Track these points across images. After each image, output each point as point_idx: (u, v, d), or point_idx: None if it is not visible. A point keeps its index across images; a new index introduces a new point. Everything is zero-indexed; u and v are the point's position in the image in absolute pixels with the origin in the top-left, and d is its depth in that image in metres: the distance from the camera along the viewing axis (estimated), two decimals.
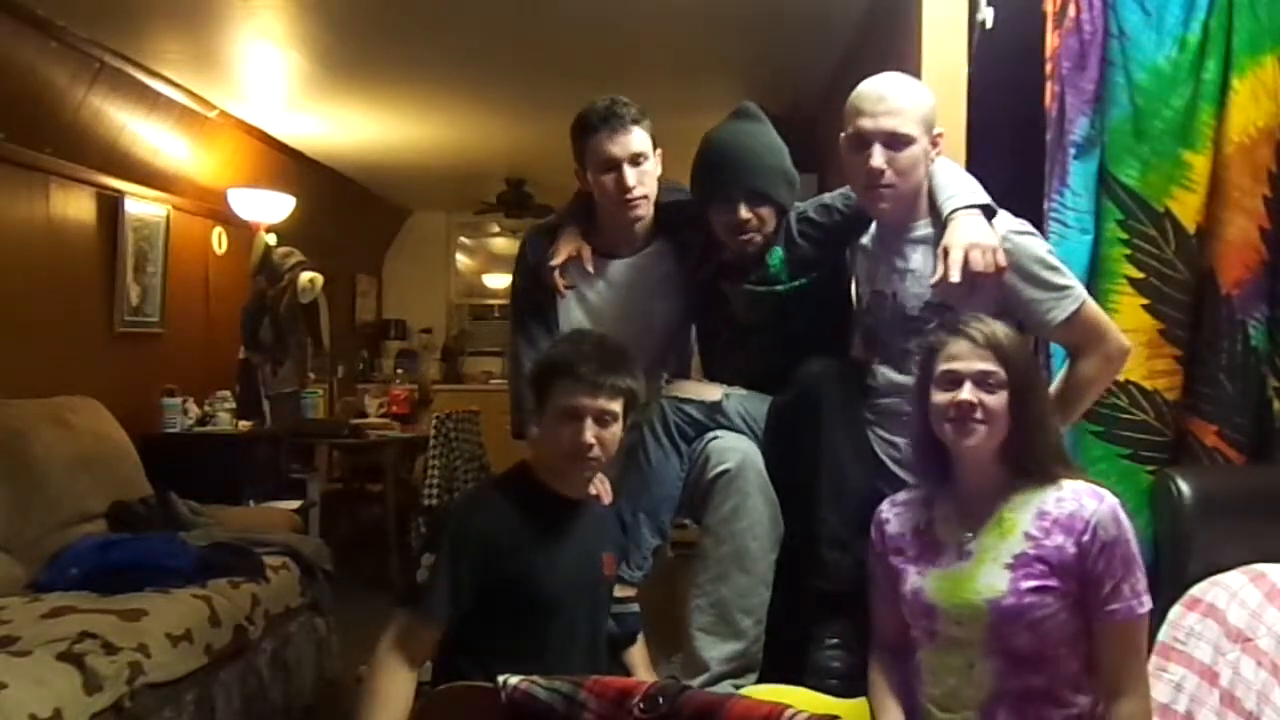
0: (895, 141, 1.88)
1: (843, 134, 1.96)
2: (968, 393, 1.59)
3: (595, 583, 1.89)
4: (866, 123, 1.90)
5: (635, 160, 2.12)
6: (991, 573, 1.59)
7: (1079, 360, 1.89)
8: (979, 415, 1.59)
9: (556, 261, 2.19)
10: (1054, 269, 1.86)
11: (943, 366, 1.63)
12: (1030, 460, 1.63)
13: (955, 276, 1.78)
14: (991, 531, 1.62)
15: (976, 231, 1.83)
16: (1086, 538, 1.56)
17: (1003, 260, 1.80)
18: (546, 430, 1.83)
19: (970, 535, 1.64)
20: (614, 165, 2.11)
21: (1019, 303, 1.84)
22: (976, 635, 1.58)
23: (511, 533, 1.79)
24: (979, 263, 1.78)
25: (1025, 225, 1.91)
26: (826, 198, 2.16)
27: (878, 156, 1.88)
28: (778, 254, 2.12)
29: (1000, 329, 1.64)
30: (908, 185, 1.91)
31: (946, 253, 1.81)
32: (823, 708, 1.65)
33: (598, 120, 2.12)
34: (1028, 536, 1.59)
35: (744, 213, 2.04)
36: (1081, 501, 1.59)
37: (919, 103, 1.93)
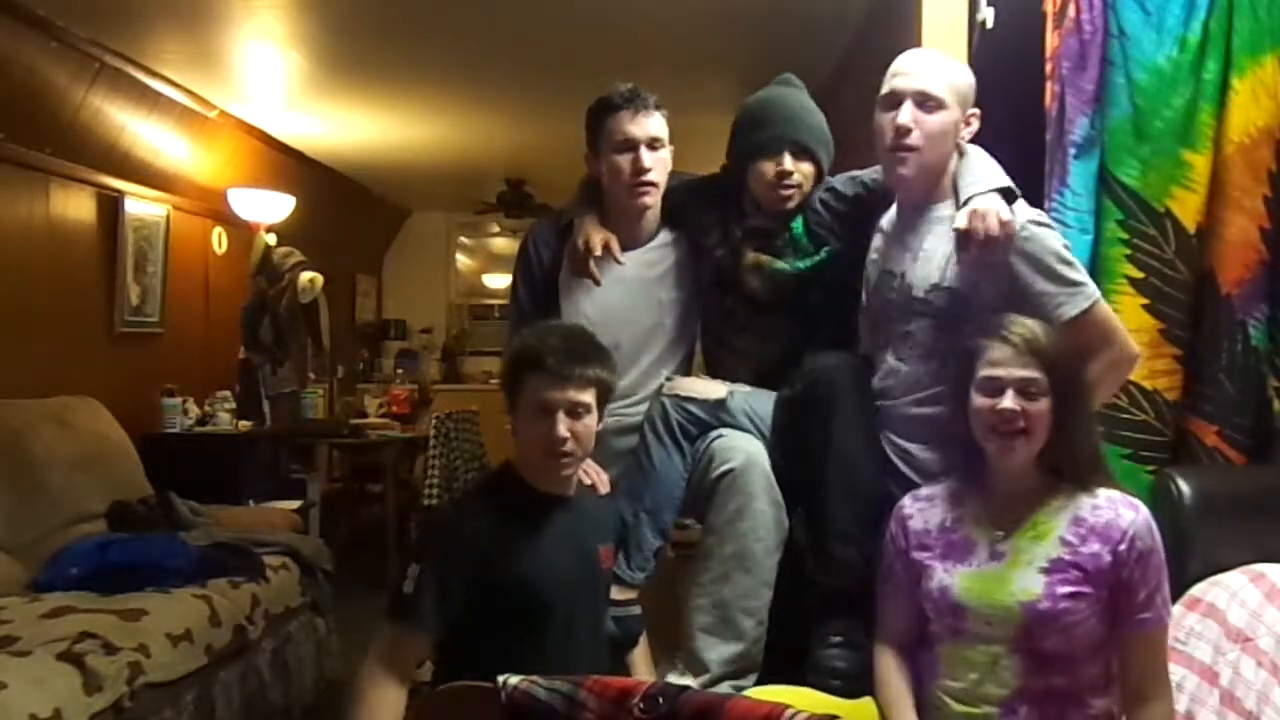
0: (926, 102, 1.86)
1: (877, 98, 1.93)
2: (1010, 400, 1.58)
3: (592, 577, 1.86)
4: (900, 81, 1.88)
5: (653, 144, 2.12)
6: (1026, 576, 1.58)
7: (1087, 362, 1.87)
8: (1021, 425, 1.58)
9: (598, 250, 2.15)
10: (1068, 264, 1.83)
11: (984, 372, 1.61)
12: (1068, 466, 1.62)
13: (962, 251, 1.81)
14: (1025, 534, 1.62)
15: (984, 203, 1.82)
16: (1123, 547, 1.56)
17: (1006, 215, 1.79)
18: (520, 427, 1.79)
19: (1002, 535, 1.63)
20: (632, 146, 2.11)
21: (1030, 295, 1.80)
22: (1006, 634, 1.58)
23: (497, 536, 1.75)
24: (980, 230, 1.78)
25: (1044, 217, 1.89)
26: (857, 173, 2.15)
27: (906, 113, 1.86)
28: (800, 219, 2.11)
29: (1042, 331, 1.62)
30: (933, 153, 1.88)
31: (956, 226, 1.82)
32: (826, 708, 1.64)
33: (621, 100, 2.12)
34: (1064, 542, 1.59)
35: (788, 163, 2.05)
36: (1118, 511, 1.59)
37: (956, 75, 1.91)
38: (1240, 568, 1.99)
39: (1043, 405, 1.58)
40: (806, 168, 2.08)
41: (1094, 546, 1.57)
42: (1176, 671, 1.93)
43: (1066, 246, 1.87)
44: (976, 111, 1.94)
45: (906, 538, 1.72)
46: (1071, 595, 1.56)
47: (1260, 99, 2.23)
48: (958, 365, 1.70)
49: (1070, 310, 1.79)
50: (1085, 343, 1.82)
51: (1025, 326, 1.63)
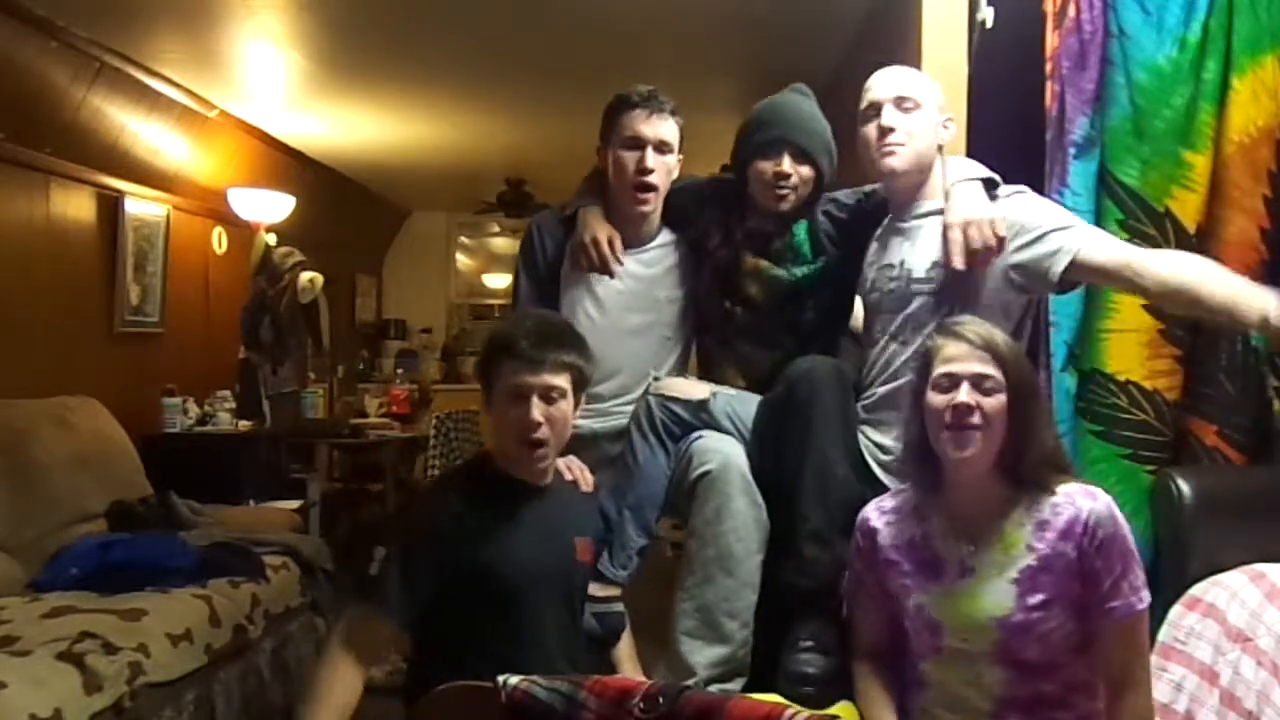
0: (904, 103, 1.97)
1: (858, 112, 2.03)
2: (965, 394, 1.57)
3: (566, 568, 1.85)
4: (876, 92, 2.00)
5: (660, 147, 2.14)
6: (997, 590, 1.57)
7: (1138, 291, 1.94)
8: (976, 419, 1.57)
9: (605, 246, 2.16)
10: (1054, 210, 1.93)
11: (939, 369, 1.61)
12: (1027, 467, 1.60)
13: (959, 262, 1.88)
14: (994, 547, 1.60)
15: (973, 205, 1.90)
16: (1085, 539, 1.55)
17: (1002, 230, 1.87)
18: (496, 415, 1.80)
19: (971, 550, 1.62)
20: (639, 144, 2.14)
21: (1036, 247, 1.89)
22: (984, 649, 1.58)
23: (469, 523, 1.75)
24: (976, 239, 1.87)
25: (1011, 189, 1.97)
26: (861, 188, 2.20)
27: (887, 114, 1.97)
28: (804, 225, 2.15)
29: (997, 332, 1.64)
30: (918, 146, 1.97)
31: (947, 231, 1.89)
32: None
33: (638, 99, 2.15)
34: (1030, 549, 1.58)
35: (787, 165, 2.08)
36: (1076, 503, 1.58)
37: (928, 85, 2.04)
38: (1240, 568, 1.99)
39: (999, 401, 1.57)
40: (806, 171, 2.10)
41: (1059, 546, 1.56)
42: (1176, 671, 1.94)
43: (1036, 204, 1.97)
44: (952, 116, 2.05)
45: (875, 552, 1.71)
46: (1043, 603, 1.55)
47: (1260, 99, 2.23)
48: (915, 370, 1.70)
49: (1058, 267, 1.87)
50: (1100, 276, 1.93)
51: (980, 324, 1.64)
